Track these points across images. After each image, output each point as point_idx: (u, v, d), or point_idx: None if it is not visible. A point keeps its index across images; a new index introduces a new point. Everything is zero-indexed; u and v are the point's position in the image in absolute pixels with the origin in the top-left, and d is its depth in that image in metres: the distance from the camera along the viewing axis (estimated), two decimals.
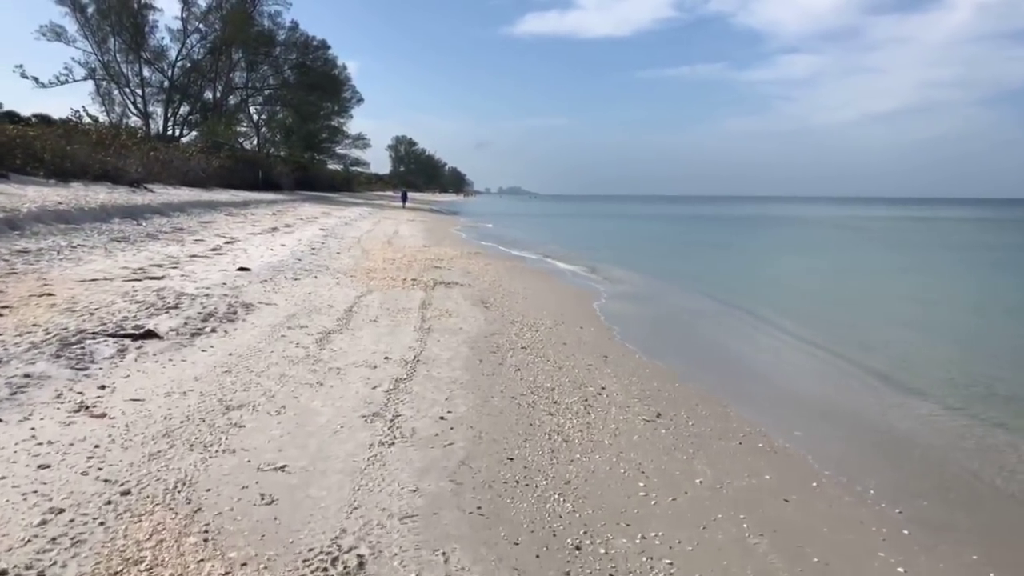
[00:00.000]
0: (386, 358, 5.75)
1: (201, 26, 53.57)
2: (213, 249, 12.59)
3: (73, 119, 41.58)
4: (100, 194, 20.31)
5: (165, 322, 6.03)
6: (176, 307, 6.68)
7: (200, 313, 6.51)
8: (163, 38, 53.93)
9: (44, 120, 43.19)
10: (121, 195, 21.32)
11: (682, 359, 6.98)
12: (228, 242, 14.20)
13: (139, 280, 8.33)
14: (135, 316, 6.12)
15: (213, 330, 6.02)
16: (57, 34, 49.45)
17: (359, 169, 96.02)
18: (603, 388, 5.44)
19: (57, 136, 29.81)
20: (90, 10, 49.97)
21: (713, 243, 30.09)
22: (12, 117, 43.04)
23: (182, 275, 9.06)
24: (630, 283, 13.35)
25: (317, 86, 62.40)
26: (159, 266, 9.77)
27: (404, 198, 59.19)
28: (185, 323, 6.06)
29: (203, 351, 5.38)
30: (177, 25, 53.54)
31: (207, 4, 52.93)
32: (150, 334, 5.49)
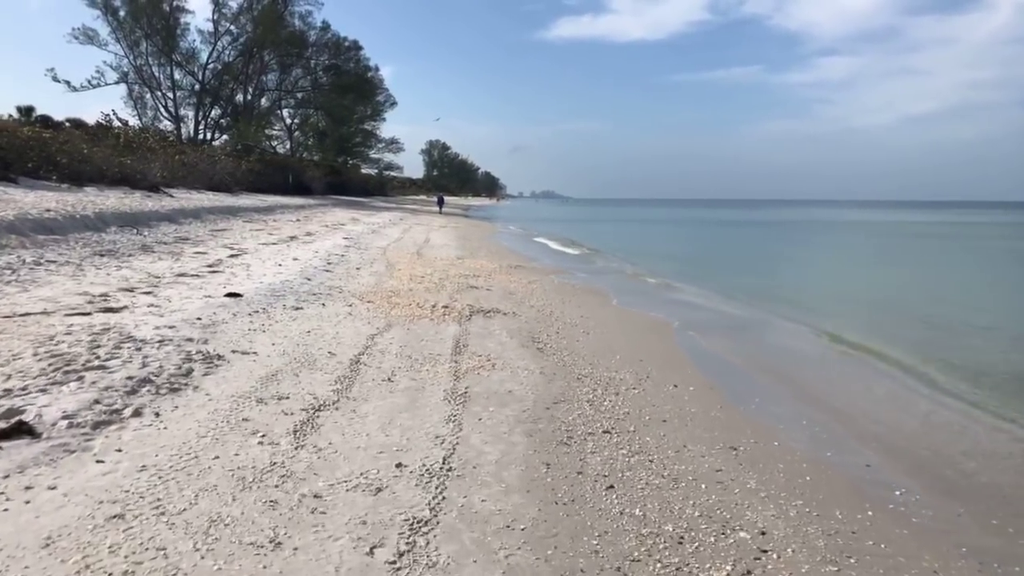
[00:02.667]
0: (399, 465, 3.59)
1: (232, 28, 52.60)
2: (210, 265, 10.63)
3: (103, 122, 40.63)
4: (109, 199, 18.69)
5: (66, 398, 3.96)
6: (104, 366, 4.62)
7: (132, 378, 4.43)
8: (194, 40, 52.98)
9: (78, 124, 42.46)
10: (134, 200, 19.69)
11: (841, 447, 4.69)
12: (233, 255, 12.26)
13: (87, 314, 6.33)
14: (26, 387, 4.06)
15: (137, 412, 3.92)
16: (89, 37, 48.86)
17: (392, 173, 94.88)
18: (763, 533, 3.20)
19: (76, 139, 28.63)
20: (122, 13, 49.25)
21: (777, 252, 27.47)
22: (45, 122, 42.40)
23: (150, 305, 7.05)
24: (707, 307, 11.03)
25: (350, 88, 61.04)
26: (129, 291, 7.79)
27: (440, 202, 57.15)
28: (97, 400, 3.97)
29: (98, 463, 3.28)
30: (208, 27, 52.64)
31: (238, 5, 51.91)
32: (20, 428, 3.42)
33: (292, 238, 17.03)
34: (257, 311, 7.33)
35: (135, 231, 14.24)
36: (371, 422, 4.22)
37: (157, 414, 3.94)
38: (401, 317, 7.79)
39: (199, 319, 6.56)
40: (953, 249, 30.44)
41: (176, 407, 4.10)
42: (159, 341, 5.46)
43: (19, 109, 46.03)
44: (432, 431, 4.14)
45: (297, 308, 7.75)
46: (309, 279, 10.01)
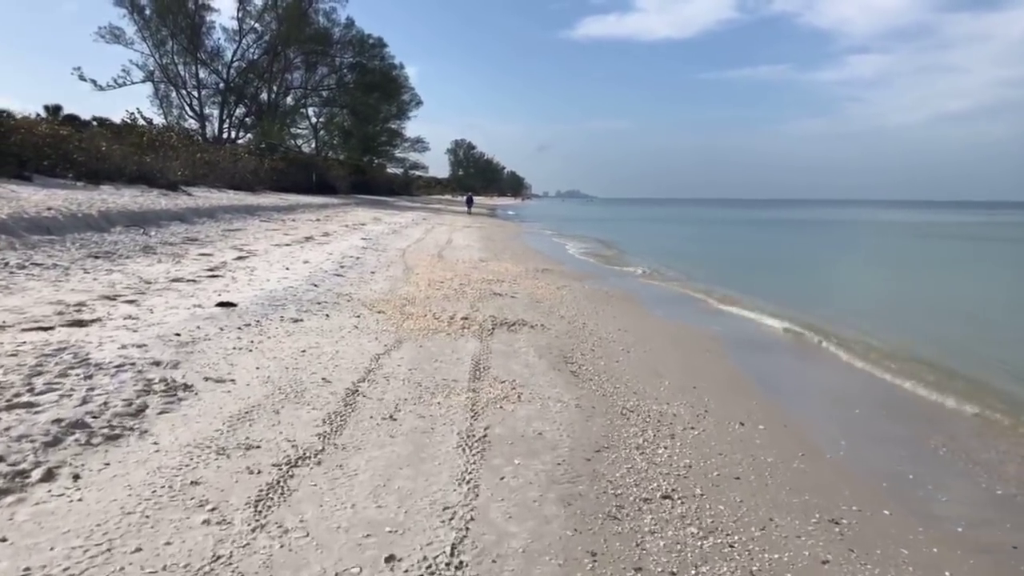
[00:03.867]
0: (390, 559, 2.61)
1: (257, 25, 52.28)
2: (211, 269, 9.78)
3: (128, 121, 40.49)
4: (123, 197, 18.07)
5: None
6: (33, 403, 3.70)
7: (61, 420, 3.50)
8: (219, 38, 52.75)
9: (104, 123, 42.36)
10: (148, 199, 19.04)
11: (971, 516, 3.61)
12: (240, 257, 11.42)
13: (49, 328, 5.45)
14: None
15: (50, 475, 2.98)
16: (115, 36, 48.81)
17: (418, 173, 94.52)
18: None
19: (98, 137, 28.35)
20: (148, 11, 49.15)
21: (819, 254, 26.08)
22: (72, 120, 42.39)
23: (127, 317, 6.16)
24: (757, 319, 9.90)
25: (375, 86, 60.47)
26: (111, 299, 6.93)
27: (469, 202, 53.73)
28: (0, 456, 3.05)
29: None
30: (233, 25, 52.38)
31: (263, 2, 51.55)
32: None
33: (307, 239, 16.20)
34: (249, 324, 6.41)
35: (141, 231, 13.50)
36: (361, 484, 3.24)
37: (76, 476, 3.00)
38: (414, 331, 6.83)
39: (177, 335, 5.64)
40: (1008, 252, 28.76)
41: (107, 464, 3.16)
42: (118, 366, 4.54)
43: (46, 108, 46.16)
44: (439, 498, 3.15)
45: (296, 320, 6.82)
46: (316, 285, 9.10)
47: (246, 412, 4.04)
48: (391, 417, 4.23)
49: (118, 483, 2.98)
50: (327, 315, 7.26)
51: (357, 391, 4.68)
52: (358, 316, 7.38)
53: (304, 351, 5.65)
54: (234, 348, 5.49)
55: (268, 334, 6.13)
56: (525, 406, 4.69)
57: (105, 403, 3.79)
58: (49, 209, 12.48)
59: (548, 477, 3.52)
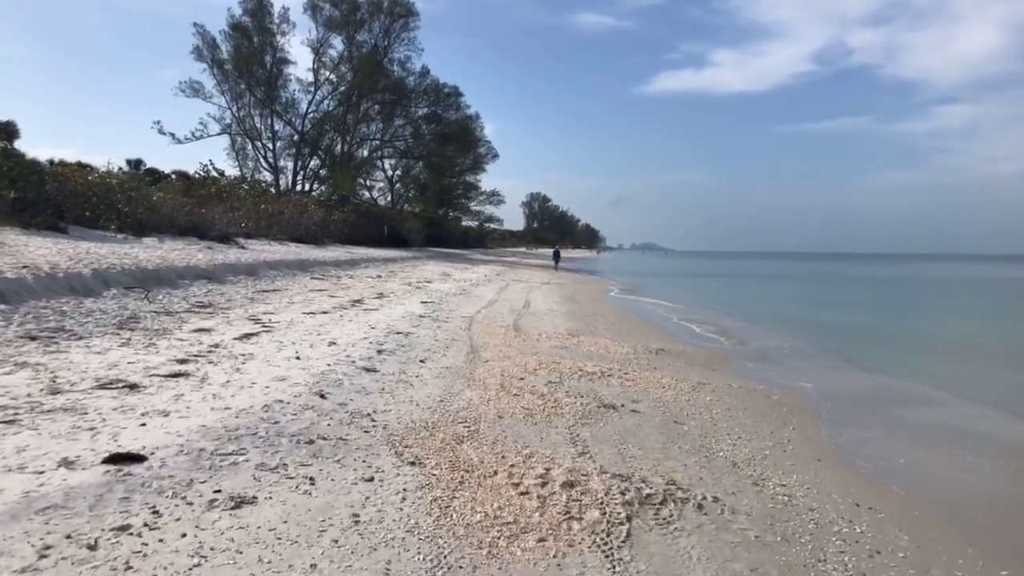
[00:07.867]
0: None
1: (332, 76, 51.62)
2: (183, 361, 6.60)
3: (201, 173, 39.70)
4: (154, 252, 15.64)
5: None
6: None
7: None
8: (295, 90, 52.35)
9: (183, 176, 41.85)
10: (183, 253, 16.56)
11: None
12: (246, 335, 8.28)
13: None
14: None
15: None
16: (195, 90, 49.07)
17: (492, 225, 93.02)
18: None
19: (172, 189, 27.15)
20: (227, 66, 49.27)
21: (973, 318, 21.23)
22: (153, 174, 42.14)
23: None
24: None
25: (451, 137, 58.96)
26: None
27: (556, 257, 48.28)
28: None
29: None
30: (308, 77, 51.96)
31: (338, 54, 50.99)
32: None
33: (355, 303, 13.10)
34: (125, 526, 3.04)
35: (144, 294, 10.69)
36: None
37: None
38: (471, 528, 3.33)
39: None
40: None
41: None
42: None
43: (128, 162, 46.31)
44: None
45: (240, 503, 3.41)
46: (324, 396, 5.73)
47: None
48: None
49: None
50: (310, 479, 3.83)
51: None
52: (371, 478, 3.93)
53: None
54: None
55: (149, 567, 2.74)
56: None
57: None
58: (24, 267, 9.82)
59: None
